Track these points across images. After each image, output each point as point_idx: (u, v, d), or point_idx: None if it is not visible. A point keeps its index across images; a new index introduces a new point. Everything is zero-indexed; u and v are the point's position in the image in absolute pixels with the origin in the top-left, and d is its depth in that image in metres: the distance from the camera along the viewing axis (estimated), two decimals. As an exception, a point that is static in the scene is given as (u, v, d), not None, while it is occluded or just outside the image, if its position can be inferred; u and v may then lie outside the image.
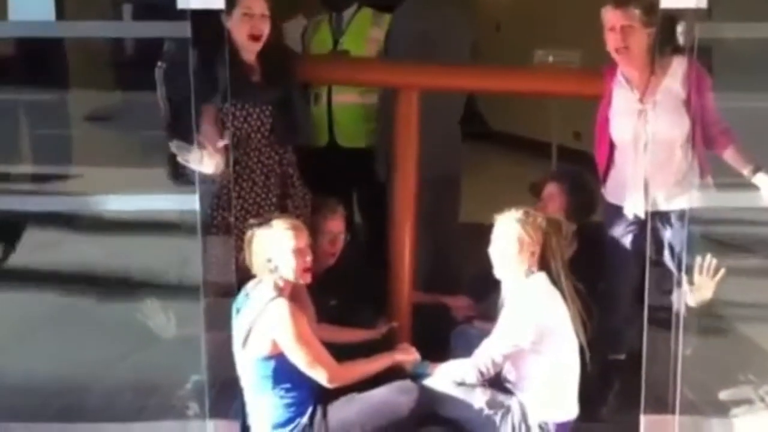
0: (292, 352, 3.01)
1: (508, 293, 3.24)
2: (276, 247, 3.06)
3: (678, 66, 3.24)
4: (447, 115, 4.28)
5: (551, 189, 3.79)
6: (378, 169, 4.18)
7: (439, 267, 4.27)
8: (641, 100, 3.29)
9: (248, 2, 3.28)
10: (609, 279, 3.52)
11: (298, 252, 3.07)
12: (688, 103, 3.22)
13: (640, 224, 3.36)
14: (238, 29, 3.28)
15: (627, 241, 3.43)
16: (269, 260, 3.07)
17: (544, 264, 3.20)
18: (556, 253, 3.20)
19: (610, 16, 3.23)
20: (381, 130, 4.19)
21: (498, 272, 3.24)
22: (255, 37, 3.30)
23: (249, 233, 3.13)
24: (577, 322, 3.15)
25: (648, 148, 3.26)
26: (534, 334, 3.08)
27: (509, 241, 3.16)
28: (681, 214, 3.22)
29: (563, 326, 3.13)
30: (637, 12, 3.17)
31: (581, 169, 4.09)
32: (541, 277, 3.18)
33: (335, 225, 3.63)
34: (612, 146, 3.41)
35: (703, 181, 3.30)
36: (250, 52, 3.34)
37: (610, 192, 3.48)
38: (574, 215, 3.73)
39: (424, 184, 3.85)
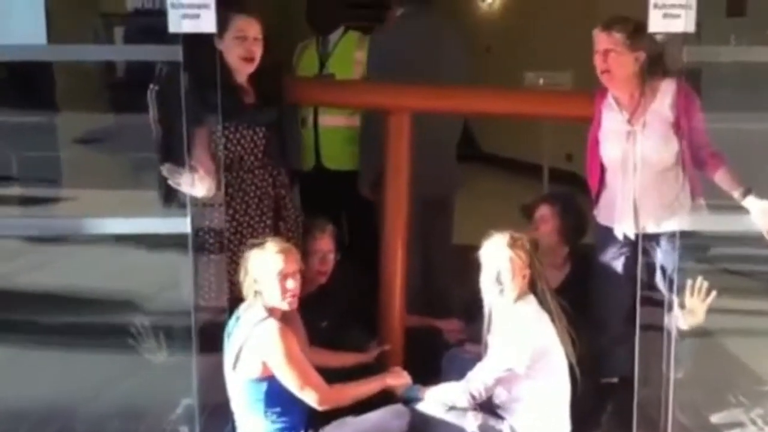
0: (282, 373, 2.99)
1: (496, 318, 3.23)
2: (263, 270, 3.05)
3: (667, 88, 3.27)
4: (445, 135, 4.28)
5: (543, 211, 3.80)
6: (362, 189, 4.19)
7: (431, 289, 4.27)
8: (630, 122, 3.30)
9: (241, 25, 3.30)
10: (601, 301, 3.52)
11: (284, 276, 3.04)
12: (677, 126, 3.24)
13: (631, 246, 3.36)
14: (231, 52, 3.29)
15: (618, 263, 3.43)
16: (255, 281, 3.06)
17: (531, 285, 3.20)
18: (541, 273, 3.21)
19: (597, 39, 3.27)
20: (363, 151, 4.19)
21: (488, 298, 3.23)
22: (248, 60, 3.31)
23: (247, 254, 3.12)
24: (566, 340, 3.14)
25: (638, 170, 3.27)
26: (528, 358, 3.08)
27: (503, 266, 3.15)
28: (672, 236, 3.22)
29: (554, 348, 3.12)
30: (620, 36, 3.20)
31: (573, 191, 4.10)
32: (530, 299, 3.18)
33: (325, 243, 3.63)
34: (603, 168, 3.42)
35: (695, 202, 3.31)
36: (242, 74, 3.35)
37: (602, 214, 3.48)
38: (566, 237, 3.74)
39: (420, 205, 3.85)
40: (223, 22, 3.21)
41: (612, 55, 3.22)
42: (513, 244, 3.16)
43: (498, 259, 3.17)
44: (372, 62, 4.16)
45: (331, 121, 4.46)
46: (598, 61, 3.27)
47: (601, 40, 3.25)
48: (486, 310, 3.28)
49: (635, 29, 3.19)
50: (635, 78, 3.26)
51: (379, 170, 3.98)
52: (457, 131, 4.43)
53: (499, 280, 3.16)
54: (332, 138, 4.49)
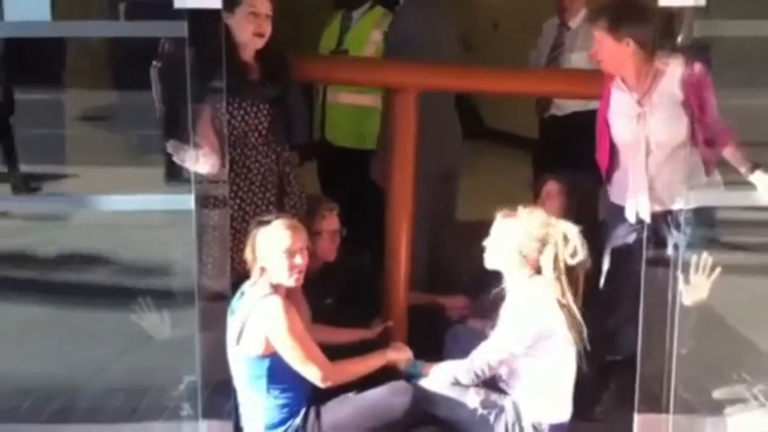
0: (285, 350, 3.00)
1: (508, 290, 3.22)
2: (270, 247, 3.06)
3: (675, 67, 3.24)
4: (445, 110, 4.25)
5: (550, 188, 3.78)
6: (374, 173, 4.17)
7: (436, 265, 4.26)
8: (640, 103, 3.28)
9: (254, 1, 3.28)
10: (611, 279, 3.50)
11: (291, 253, 3.06)
12: (687, 103, 3.21)
13: (643, 224, 3.34)
14: (243, 27, 3.28)
15: (630, 240, 3.41)
16: (262, 258, 3.07)
17: (543, 267, 3.14)
18: (548, 261, 3.10)
19: None
20: (383, 132, 4.16)
21: (489, 264, 3.22)
22: (259, 35, 3.30)
23: (253, 231, 3.12)
24: (574, 330, 3.09)
25: (650, 150, 3.26)
26: (530, 339, 3.06)
27: (502, 240, 3.15)
28: (681, 214, 3.21)
29: (558, 330, 3.09)
30: (600, 29, 3.20)
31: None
32: (539, 281, 3.13)
33: (334, 222, 3.65)
34: (614, 147, 3.41)
35: (710, 177, 3.30)
36: (251, 49, 3.33)
37: (615, 192, 3.46)
38: (573, 214, 3.71)
39: (426, 181, 3.84)
40: None
41: (600, 47, 3.23)
42: (519, 222, 3.14)
43: (500, 231, 3.17)
44: (393, 40, 4.12)
45: (340, 97, 4.46)
46: (594, 52, 3.29)
47: (593, 31, 3.26)
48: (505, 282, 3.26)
49: (616, 18, 3.17)
50: (631, 62, 3.23)
51: None
52: (451, 102, 4.37)
53: (495, 251, 3.17)
54: (339, 114, 4.49)
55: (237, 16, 3.26)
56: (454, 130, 4.30)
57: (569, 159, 3.97)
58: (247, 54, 3.34)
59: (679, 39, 3.16)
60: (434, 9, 4.09)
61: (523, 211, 3.18)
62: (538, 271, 3.14)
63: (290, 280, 3.08)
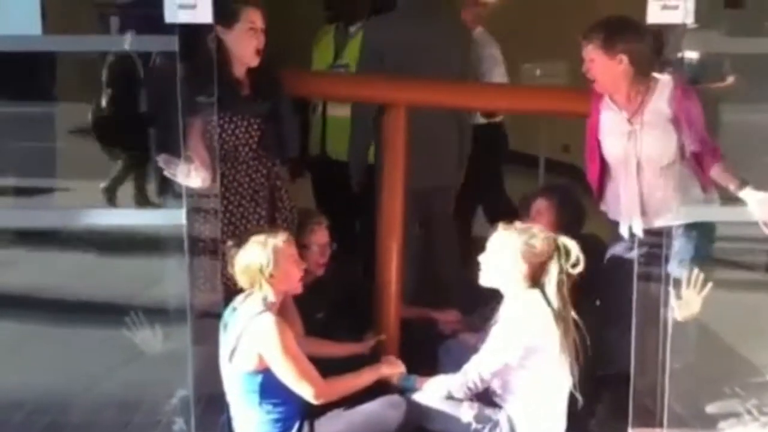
0: (278, 367, 2.99)
1: (503, 304, 3.22)
2: (277, 258, 3.04)
3: (664, 84, 3.26)
4: (438, 125, 4.24)
5: (540, 204, 3.79)
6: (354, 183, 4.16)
7: (433, 279, 4.26)
8: (630, 121, 3.30)
9: (252, 17, 3.27)
10: (610, 294, 3.50)
11: (297, 263, 3.11)
12: (676, 121, 3.23)
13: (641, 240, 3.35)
14: (244, 44, 3.27)
15: (626, 255, 3.42)
16: (271, 275, 3.03)
17: (538, 282, 3.13)
18: (553, 274, 3.10)
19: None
20: (354, 146, 4.14)
21: (484, 281, 3.22)
22: (259, 51, 3.30)
23: (237, 247, 3.10)
24: (571, 342, 3.08)
25: (641, 167, 3.28)
26: (522, 350, 3.06)
27: (503, 252, 3.14)
28: (673, 229, 3.22)
29: (549, 346, 3.08)
30: (594, 45, 3.23)
31: (570, 183, 4.08)
32: (535, 294, 3.12)
33: (323, 236, 3.64)
34: (606, 164, 3.42)
35: (707, 194, 3.32)
36: (248, 65, 3.33)
37: (611, 209, 3.48)
38: (563, 230, 3.72)
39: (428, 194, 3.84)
40: (231, 13, 3.21)
41: (593, 64, 3.25)
42: (517, 240, 3.14)
43: (498, 246, 3.16)
44: (365, 52, 4.07)
45: (340, 111, 4.45)
46: (586, 69, 3.30)
47: (584, 49, 3.28)
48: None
49: (610, 34, 3.21)
50: (624, 80, 3.26)
51: (366, 164, 3.97)
52: (455, 123, 4.34)
53: (491, 266, 3.16)
54: (339, 128, 4.48)
55: (236, 33, 3.26)
56: (448, 144, 4.27)
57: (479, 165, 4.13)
58: (239, 69, 3.34)
59: (668, 56, 3.20)
60: (402, 23, 4.01)
61: (521, 226, 3.19)
62: (533, 284, 3.14)
63: (297, 289, 3.14)
